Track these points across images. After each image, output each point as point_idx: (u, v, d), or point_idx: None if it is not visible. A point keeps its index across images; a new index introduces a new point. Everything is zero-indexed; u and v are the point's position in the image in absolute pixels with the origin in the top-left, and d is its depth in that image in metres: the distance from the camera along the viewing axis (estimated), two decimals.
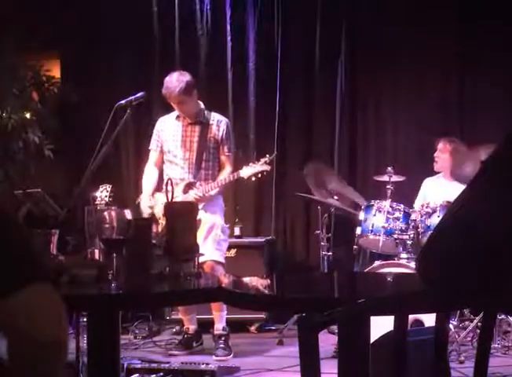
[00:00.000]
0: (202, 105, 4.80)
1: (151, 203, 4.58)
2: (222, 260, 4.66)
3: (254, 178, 4.62)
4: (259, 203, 6.39)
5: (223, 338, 4.69)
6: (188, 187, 4.62)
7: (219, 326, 4.73)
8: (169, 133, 4.79)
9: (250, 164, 4.62)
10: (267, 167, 4.60)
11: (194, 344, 4.82)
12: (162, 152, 4.84)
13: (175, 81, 4.62)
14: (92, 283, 2.37)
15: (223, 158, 4.77)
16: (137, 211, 4.56)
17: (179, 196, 4.46)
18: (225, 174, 4.71)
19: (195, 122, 4.75)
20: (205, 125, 4.73)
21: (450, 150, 5.33)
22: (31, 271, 1.15)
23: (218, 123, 4.76)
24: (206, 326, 4.96)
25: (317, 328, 1.54)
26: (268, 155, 4.68)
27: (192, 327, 4.84)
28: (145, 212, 4.53)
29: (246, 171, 4.58)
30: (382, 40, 6.18)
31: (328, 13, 6.31)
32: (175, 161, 4.75)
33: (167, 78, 4.67)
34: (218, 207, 4.78)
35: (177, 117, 4.79)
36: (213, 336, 4.77)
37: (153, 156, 4.88)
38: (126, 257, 2.43)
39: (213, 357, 4.57)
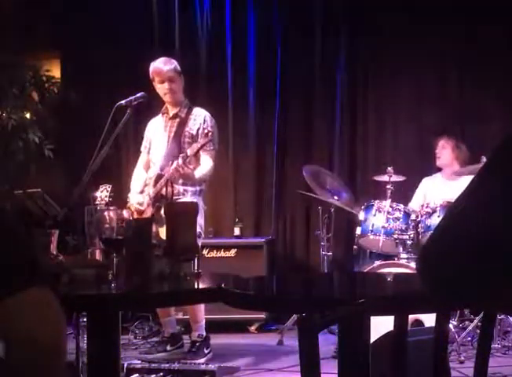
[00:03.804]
0: (186, 100, 4.73)
1: (140, 199, 4.54)
2: None
3: (199, 153, 4.40)
4: (259, 203, 6.39)
5: (197, 344, 4.65)
6: (158, 180, 4.48)
7: (195, 333, 4.69)
8: (154, 131, 4.75)
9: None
10: (207, 139, 4.33)
11: (168, 347, 4.75)
12: (149, 153, 4.79)
13: (164, 61, 4.63)
14: (92, 283, 2.37)
15: (202, 153, 4.48)
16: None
17: (150, 191, 4.43)
18: (199, 171, 4.51)
19: (174, 117, 4.67)
20: (183, 119, 4.64)
21: (452, 145, 5.40)
22: (29, 274, 1.15)
23: (196, 117, 4.63)
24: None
25: (317, 329, 1.54)
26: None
27: (167, 331, 4.80)
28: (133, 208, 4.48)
29: (191, 150, 4.35)
30: (381, 40, 6.18)
31: (328, 12, 6.31)
32: (152, 159, 4.70)
33: (154, 62, 4.65)
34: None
35: (162, 114, 4.73)
36: (190, 340, 4.73)
37: (142, 158, 4.84)
38: (126, 257, 2.43)
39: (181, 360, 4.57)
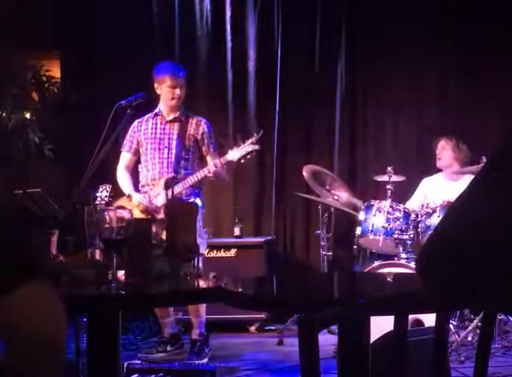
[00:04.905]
0: (183, 105, 4.73)
1: (141, 197, 4.52)
2: None
3: (243, 160, 4.45)
4: (259, 203, 6.39)
5: (198, 344, 4.63)
6: (170, 181, 4.47)
7: (196, 331, 4.66)
8: (146, 132, 4.68)
9: (236, 147, 4.46)
10: (255, 147, 4.40)
11: (168, 348, 4.70)
12: (135, 154, 4.72)
13: (178, 67, 4.63)
14: (92, 283, 2.37)
15: (209, 158, 4.61)
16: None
17: (161, 193, 4.41)
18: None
19: (173, 120, 4.65)
20: (184, 123, 4.64)
21: (452, 146, 5.37)
22: (29, 269, 1.15)
23: (198, 122, 4.65)
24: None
25: (317, 328, 1.54)
26: (255, 134, 4.51)
27: (167, 331, 4.78)
28: (138, 206, 4.47)
29: (234, 154, 4.41)
30: (381, 40, 6.18)
31: (328, 12, 6.31)
32: (153, 160, 4.64)
33: (165, 64, 4.64)
34: None
35: (155, 116, 4.69)
36: (190, 339, 4.71)
37: (125, 158, 4.74)
38: (126, 257, 2.43)
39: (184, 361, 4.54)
